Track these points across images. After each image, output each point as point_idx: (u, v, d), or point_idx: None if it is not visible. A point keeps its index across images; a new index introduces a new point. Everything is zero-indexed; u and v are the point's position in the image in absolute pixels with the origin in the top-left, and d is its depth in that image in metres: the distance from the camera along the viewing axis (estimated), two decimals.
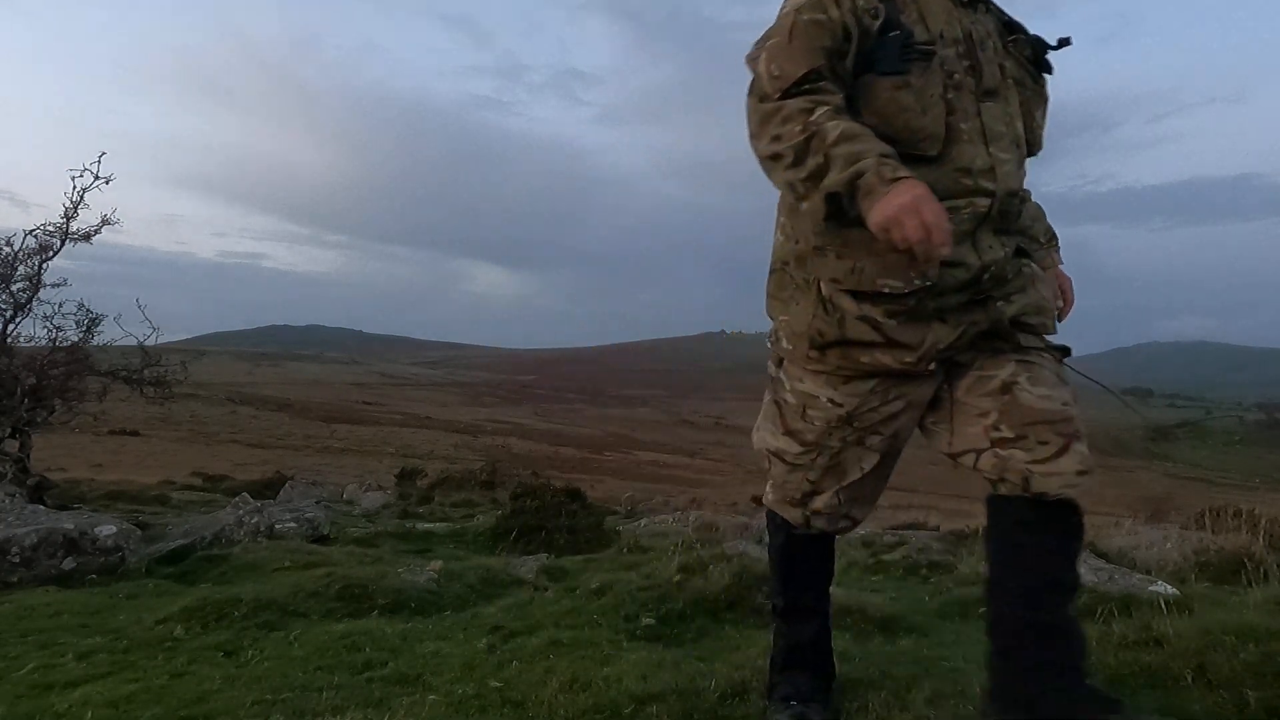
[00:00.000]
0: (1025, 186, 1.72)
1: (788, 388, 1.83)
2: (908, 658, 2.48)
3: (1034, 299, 1.70)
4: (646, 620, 2.89)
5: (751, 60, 1.62)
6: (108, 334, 8.56)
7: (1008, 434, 1.57)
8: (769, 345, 1.89)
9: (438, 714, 2.08)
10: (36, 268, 8.13)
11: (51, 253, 8.19)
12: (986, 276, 1.62)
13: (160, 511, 8.94)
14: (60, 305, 8.31)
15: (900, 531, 7.22)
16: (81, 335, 8.44)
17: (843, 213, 1.51)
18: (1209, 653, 2.09)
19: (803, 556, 2.00)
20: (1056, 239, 1.92)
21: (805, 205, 1.57)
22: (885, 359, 1.65)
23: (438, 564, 4.04)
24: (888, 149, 1.47)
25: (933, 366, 1.66)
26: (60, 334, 8.31)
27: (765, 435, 1.93)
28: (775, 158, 1.54)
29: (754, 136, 1.59)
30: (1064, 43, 1.70)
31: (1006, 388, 1.61)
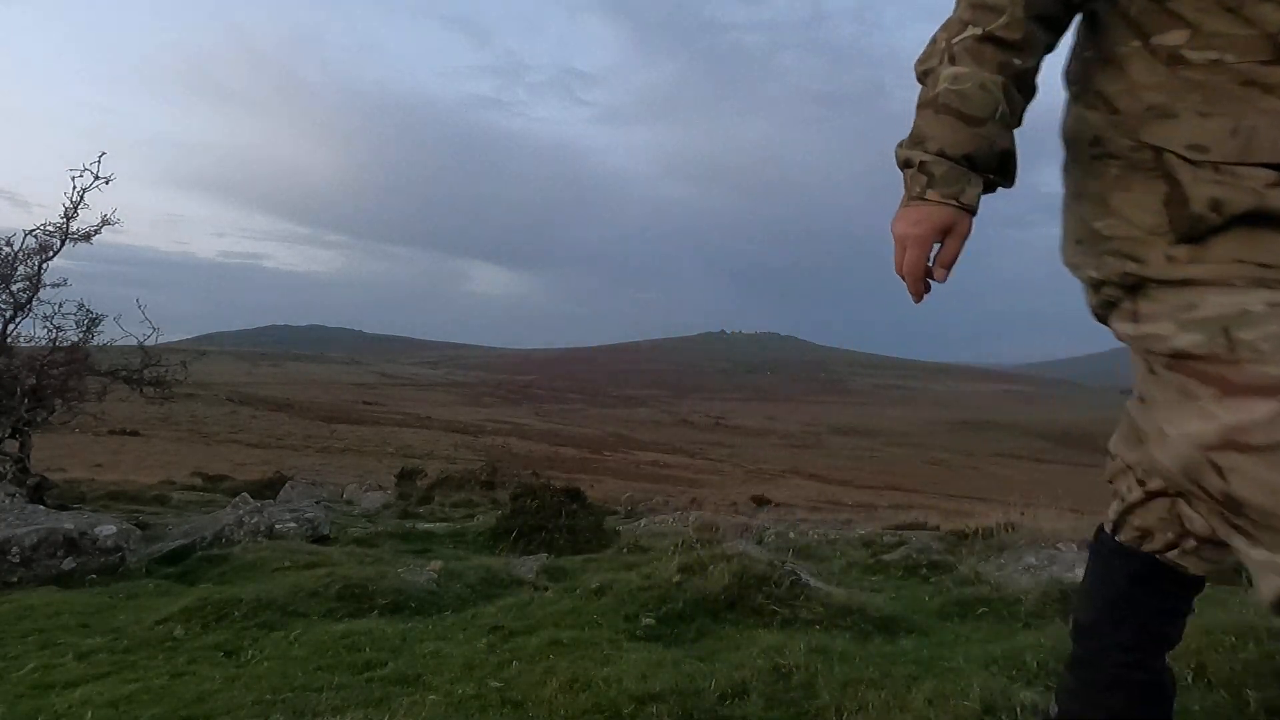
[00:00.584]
0: None
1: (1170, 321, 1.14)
2: (908, 658, 2.48)
3: None
4: (646, 620, 2.89)
5: None
6: (108, 334, 8.56)
7: None
8: (1094, 291, 1.28)
9: (438, 714, 2.08)
10: (36, 268, 8.13)
11: (51, 253, 8.19)
12: None
13: (160, 511, 8.94)
14: (60, 305, 8.32)
15: (900, 531, 7.22)
16: (81, 335, 8.44)
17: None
18: (1209, 653, 2.09)
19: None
20: None
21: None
22: None
23: (438, 564, 4.05)
24: (962, 144, 1.16)
25: None
26: (60, 334, 8.31)
27: (1183, 421, 1.15)
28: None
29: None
30: None
31: None
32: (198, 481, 19.02)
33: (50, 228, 8.18)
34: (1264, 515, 1.07)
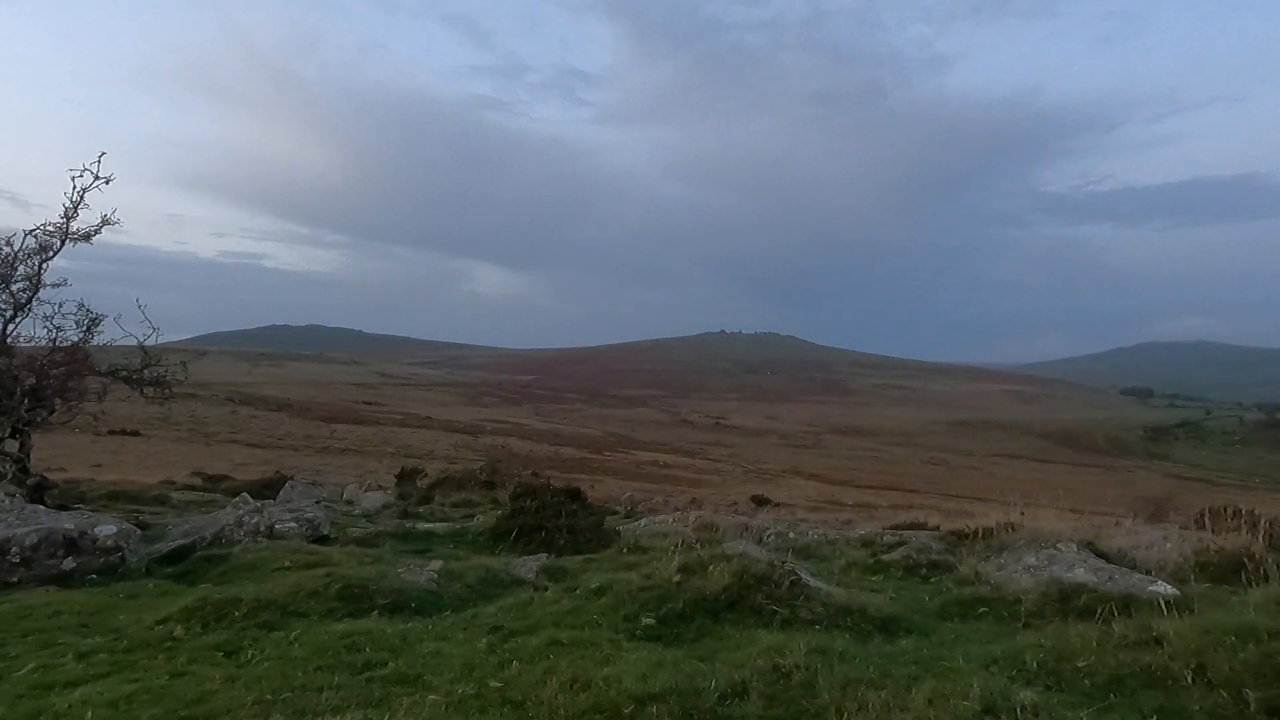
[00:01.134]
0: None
1: None
2: (908, 658, 2.48)
3: None
4: (646, 620, 2.89)
5: None
6: (108, 334, 8.57)
7: None
8: None
9: (438, 714, 2.08)
10: (36, 268, 8.13)
11: (51, 253, 8.19)
12: None
13: (160, 511, 8.94)
14: (60, 305, 8.33)
15: (900, 531, 7.22)
16: (81, 335, 8.44)
17: None
18: (1209, 653, 2.09)
19: None
20: None
21: None
22: None
23: (438, 564, 4.05)
24: None
25: None
26: (60, 334, 8.31)
27: None
28: None
29: None
30: None
31: None
32: (198, 481, 19.02)
33: (50, 228, 8.18)
34: None
